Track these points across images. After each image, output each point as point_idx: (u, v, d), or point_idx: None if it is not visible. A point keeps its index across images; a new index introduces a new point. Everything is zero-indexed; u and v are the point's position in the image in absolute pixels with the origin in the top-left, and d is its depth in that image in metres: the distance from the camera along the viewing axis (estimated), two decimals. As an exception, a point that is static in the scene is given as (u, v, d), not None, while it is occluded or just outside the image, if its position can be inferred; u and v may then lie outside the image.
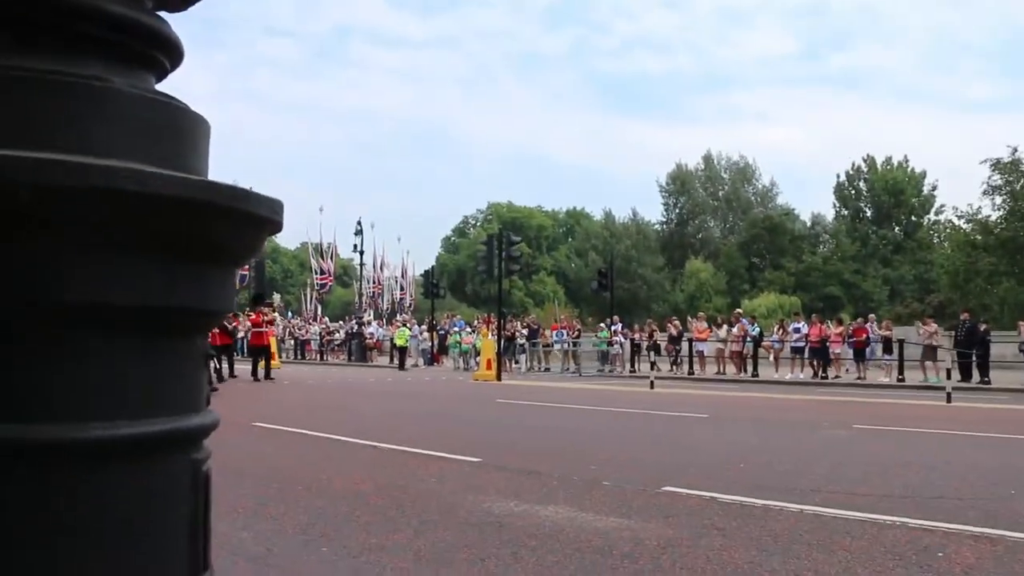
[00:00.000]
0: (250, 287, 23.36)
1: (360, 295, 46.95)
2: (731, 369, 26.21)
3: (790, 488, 6.48)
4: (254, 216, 1.02)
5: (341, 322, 44.69)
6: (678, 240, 69.47)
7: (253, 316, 24.21)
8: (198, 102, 1.11)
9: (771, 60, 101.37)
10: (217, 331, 17.99)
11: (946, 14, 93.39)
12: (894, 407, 15.11)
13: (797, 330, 25.18)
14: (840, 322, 26.23)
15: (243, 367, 23.32)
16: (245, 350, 26.79)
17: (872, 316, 26.99)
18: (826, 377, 23.68)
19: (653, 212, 70.28)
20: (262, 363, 22.55)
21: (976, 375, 22.08)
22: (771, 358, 25.70)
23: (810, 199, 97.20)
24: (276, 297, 42.12)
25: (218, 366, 19.73)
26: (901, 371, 22.96)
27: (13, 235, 0.87)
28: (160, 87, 1.10)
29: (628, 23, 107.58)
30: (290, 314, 46.98)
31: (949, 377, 17.05)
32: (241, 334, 27.25)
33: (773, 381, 23.38)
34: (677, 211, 71.18)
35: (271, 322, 27.05)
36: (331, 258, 48.82)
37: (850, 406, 15.15)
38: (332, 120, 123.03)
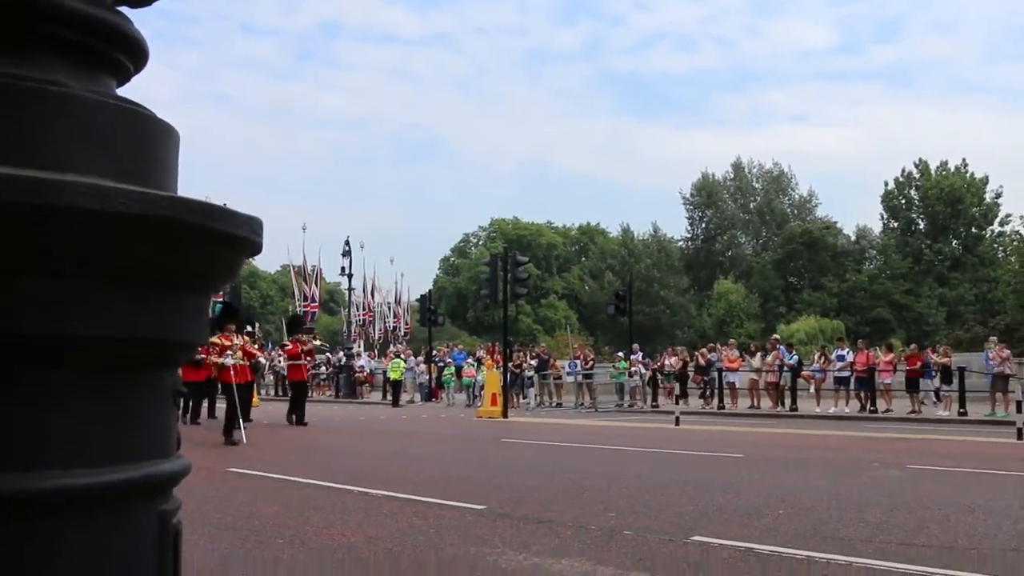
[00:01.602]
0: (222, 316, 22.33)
1: (348, 323, 46.87)
2: (766, 403, 26.07)
3: (837, 537, 6.43)
4: (230, 236, 1.02)
5: (328, 354, 44.68)
6: (705, 258, 69.46)
7: (289, 346, 21.76)
8: (164, 108, 1.12)
9: (809, 54, 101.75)
10: (246, 363, 16.74)
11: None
12: (955, 444, 15.02)
13: (841, 358, 25.06)
14: (890, 348, 26.11)
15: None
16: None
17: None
18: (875, 411, 23.56)
19: (676, 227, 70.51)
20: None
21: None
22: (812, 390, 25.57)
23: (854, 210, 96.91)
24: (255, 326, 42.10)
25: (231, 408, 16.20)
26: (963, 404, 22.80)
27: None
28: (122, 91, 1.10)
29: (646, 15, 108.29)
30: (270, 345, 46.96)
31: (1020, 411, 16.86)
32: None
33: (814, 416, 23.26)
34: (703, 226, 71.17)
35: (311, 353, 22.87)
36: (316, 282, 48.75)
37: (903, 443, 15.06)
38: (315, 126, 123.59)
